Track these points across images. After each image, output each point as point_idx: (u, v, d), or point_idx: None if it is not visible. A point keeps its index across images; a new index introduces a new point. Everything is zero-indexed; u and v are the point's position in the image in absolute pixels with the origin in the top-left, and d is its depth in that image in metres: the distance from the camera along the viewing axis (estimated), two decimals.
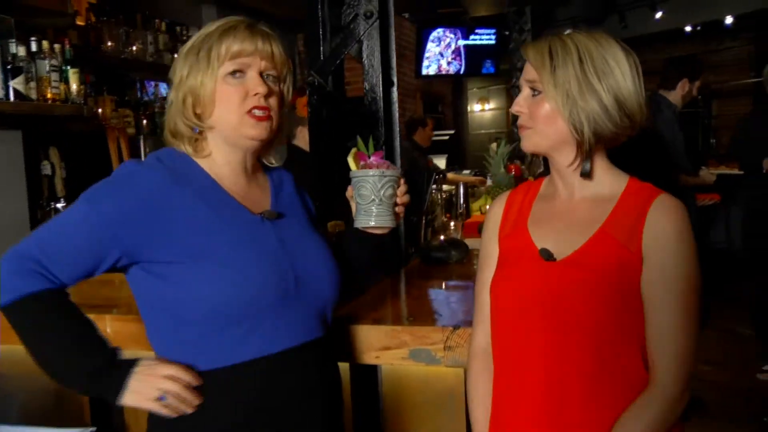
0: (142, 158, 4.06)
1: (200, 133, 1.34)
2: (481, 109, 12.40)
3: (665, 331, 1.20)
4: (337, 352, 1.51)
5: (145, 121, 4.31)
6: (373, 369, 1.69)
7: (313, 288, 1.33)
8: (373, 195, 1.40)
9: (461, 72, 8.07)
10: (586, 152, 1.26)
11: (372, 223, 1.42)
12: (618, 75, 1.23)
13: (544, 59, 1.25)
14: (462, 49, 7.85)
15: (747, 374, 4.17)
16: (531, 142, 1.30)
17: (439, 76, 8.27)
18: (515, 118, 1.33)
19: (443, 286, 2.09)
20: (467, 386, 1.41)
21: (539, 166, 3.57)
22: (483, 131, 12.03)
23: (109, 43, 4.20)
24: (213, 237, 1.24)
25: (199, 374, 1.24)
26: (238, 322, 1.23)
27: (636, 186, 1.29)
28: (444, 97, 10.18)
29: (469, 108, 11.91)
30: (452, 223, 2.79)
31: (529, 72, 1.28)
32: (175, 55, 1.61)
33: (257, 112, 1.31)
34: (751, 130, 4.16)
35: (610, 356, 1.21)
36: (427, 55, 7.70)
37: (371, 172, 1.40)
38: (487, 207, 3.62)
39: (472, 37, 7.84)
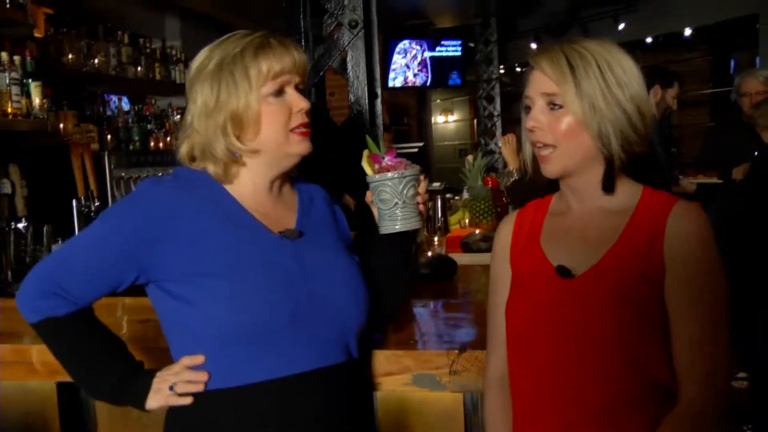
0: (107, 174, 4.00)
1: (239, 156, 1.28)
2: (445, 121, 12.42)
3: (694, 344, 1.15)
4: None
5: (109, 136, 4.17)
6: (369, 395, 1.61)
7: (331, 311, 1.27)
8: (396, 198, 1.33)
9: (428, 83, 8.05)
10: (617, 167, 1.21)
11: (398, 228, 1.34)
12: (635, 84, 1.21)
13: (564, 70, 1.19)
14: (428, 61, 7.83)
15: None
16: (559, 165, 1.23)
17: (405, 88, 8.24)
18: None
19: (440, 306, 2.01)
20: (483, 420, 1.33)
21: (512, 176, 3.51)
22: (447, 143, 12.04)
23: (70, 56, 4.06)
24: (226, 256, 1.22)
25: (211, 393, 1.24)
26: (247, 343, 1.21)
27: (651, 194, 1.25)
28: (409, 108, 10.17)
29: (432, 120, 11.92)
30: (435, 239, 2.72)
31: (544, 84, 1.22)
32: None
33: (301, 129, 1.28)
34: (721, 139, 4.20)
35: (639, 374, 1.15)
36: (393, 66, 7.66)
37: (390, 175, 1.32)
38: (466, 221, 3.59)
39: (438, 48, 7.83)
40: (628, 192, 1.25)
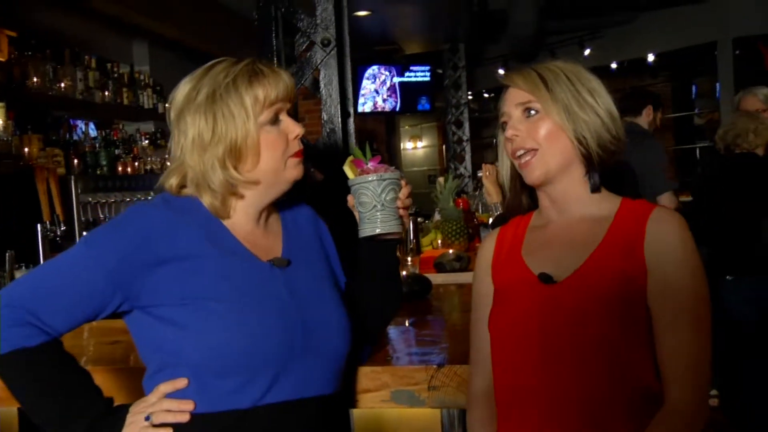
0: (74, 199, 3.93)
1: (236, 188, 1.25)
2: (414, 147, 12.50)
3: (677, 348, 1.15)
4: None
5: (76, 161, 4.10)
6: (346, 413, 1.58)
7: (323, 341, 1.25)
8: (374, 201, 1.33)
9: (397, 109, 8.11)
10: (596, 164, 1.24)
11: (378, 231, 1.33)
12: (603, 92, 1.27)
13: (536, 82, 1.26)
14: (397, 86, 7.89)
15: None
16: (542, 168, 1.25)
17: (375, 113, 8.29)
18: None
19: (416, 323, 1.99)
20: None
21: (495, 209, 3.47)
22: (416, 168, 12.11)
23: (35, 79, 4.00)
24: (221, 280, 1.19)
25: (197, 417, 1.19)
26: (239, 368, 1.17)
27: (630, 203, 1.27)
28: (378, 134, 10.22)
29: (402, 146, 11.99)
30: (409, 259, 2.71)
31: (519, 96, 1.27)
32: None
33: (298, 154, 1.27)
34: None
35: (625, 378, 1.15)
36: (362, 92, 7.70)
37: (370, 177, 1.33)
38: (439, 242, 3.59)
39: (407, 74, 7.91)
40: (608, 202, 1.28)
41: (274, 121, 1.25)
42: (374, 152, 1.41)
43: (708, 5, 6.88)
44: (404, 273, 2.45)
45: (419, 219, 5.02)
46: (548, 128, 1.24)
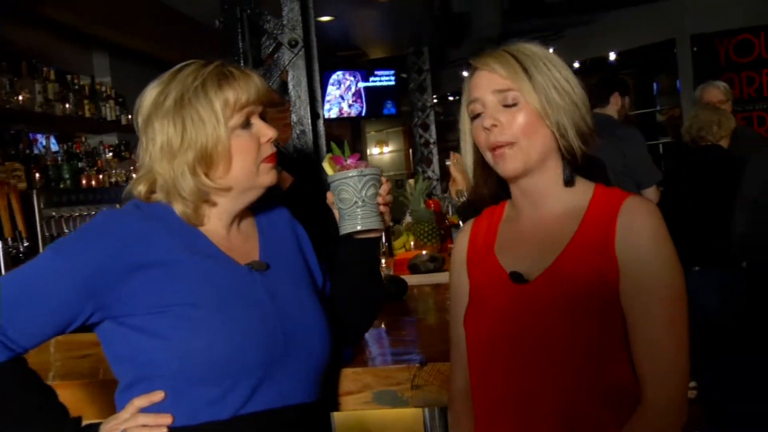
0: (37, 214, 3.84)
1: (207, 195, 1.20)
2: (380, 152, 12.49)
3: (651, 345, 1.11)
4: None
5: (38, 175, 4.00)
6: (327, 419, 1.55)
7: (304, 347, 1.21)
8: (355, 197, 1.30)
9: (363, 114, 8.11)
10: (577, 156, 1.19)
11: (359, 227, 1.30)
12: (575, 79, 1.21)
13: (515, 66, 1.17)
14: (362, 91, 7.89)
15: None
16: (520, 161, 1.18)
17: (340, 119, 8.27)
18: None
19: (394, 324, 1.97)
20: None
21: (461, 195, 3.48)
22: (383, 174, 12.09)
23: None
24: (199, 287, 1.14)
25: (175, 429, 1.14)
26: (217, 379, 1.12)
27: (603, 192, 1.22)
28: (344, 140, 10.19)
29: (368, 151, 11.97)
30: (383, 261, 2.69)
31: (495, 82, 1.19)
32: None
33: (271, 158, 1.23)
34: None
35: (601, 377, 1.11)
36: (328, 98, 7.68)
37: (350, 173, 1.30)
38: (411, 244, 3.58)
39: (371, 79, 7.91)
40: (581, 191, 1.23)
41: (246, 125, 1.21)
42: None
43: (665, 4, 7.00)
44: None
45: (390, 223, 4.97)
46: (529, 118, 1.17)
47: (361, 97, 7.90)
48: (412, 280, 2.56)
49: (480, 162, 1.27)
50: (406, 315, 2.14)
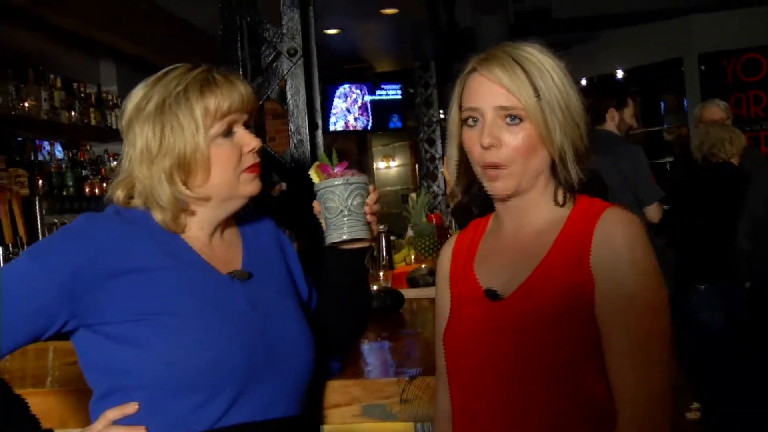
0: (39, 220, 3.84)
1: (186, 204, 1.18)
2: (386, 167, 12.48)
3: (625, 363, 1.04)
4: None
5: (41, 182, 4.01)
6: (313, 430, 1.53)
7: (287, 358, 1.19)
8: (341, 206, 1.27)
9: (369, 127, 8.12)
10: (574, 182, 1.13)
11: (345, 237, 1.28)
12: (574, 88, 1.13)
13: (523, 81, 1.09)
14: (369, 105, 7.90)
15: (675, 413, 4.18)
16: (513, 182, 1.12)
17: (346, 132, 8.28)
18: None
19: (388, 337, 1.95)
20: None
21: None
22: (389, 188, 12.08)
23: None
24: (177, 294, 1.12)
25: None
26: (194, 389, 1.09)
27: (584, 204, 1.15)
28: (349, 153, 10.19)
29: (374, 165, 11.97)
30: (381, 274, 2.67)
31: (498, 95, 1.10)
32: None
33: (253, 168, 1.20)
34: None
35: (579, 397, 1.06)
36: (333, 111, 7.70)
37: (336, 181, 1.27)
38: (412, 258, 3.56)
39: (378, 92, 7.92)
40: (564, 203, 1.17)
41: (227, 133, 1.18)
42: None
43: (673, 22, 7.00)
44: (375, 287, 2.41)
45: (392, 237, 5.00)
46: (530, 140, 1.10)
47: (367, 111, 7.91)
48: (409, 293, 2.54)
49: (464, 163, 1.20)
50: (401, 327, 2.11)
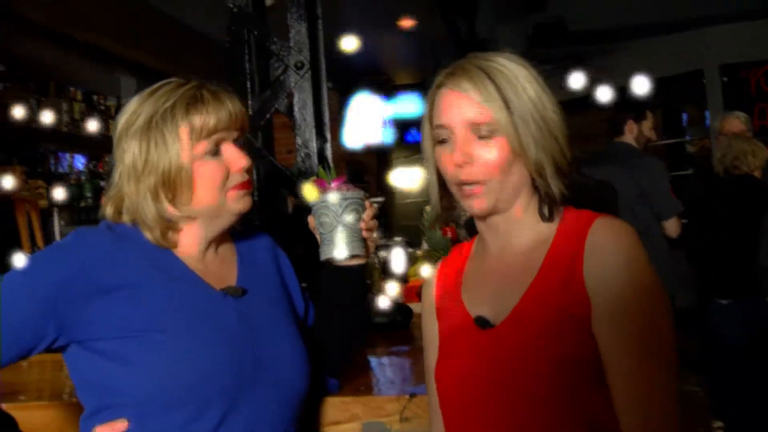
0: (57, 231, 3.88)
1: (173, 223, 1.17)
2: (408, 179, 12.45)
3: (626, 381, 1.00)
4: None
5: (59, 193, 4.06)
6: None
7: (277, 375, 1.17)
8: (335, 222, 1.25)
9: (387, 141, 8.09)
10: (556, 197, 1.08)
11: (336, 253, 1.26)
12: (550, 97, 1.08)
13: (492, 93, 1.05)
14: (387, 118, 7.89)
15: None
16: (491, 200, 1.08)
17: (364, 145, 8.26)
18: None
19: (394, 353, 1.93)
20: None
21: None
22: (410, 200, 12.05)
23: (19, 112, 3.96)
24: (167, 311, 1.11)
25: None
26: (183, 406, 1.08)
27: (572, 216, 1.10)
28: (368, 166, 10.18)
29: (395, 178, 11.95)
30: (397, 287, 2.65)
31: (467, 108, 1.06)
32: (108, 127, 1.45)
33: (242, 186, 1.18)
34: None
35: (580, 422, 1.02)
36: (351, 124, 7.68)
37: (330, 196, 1.26)
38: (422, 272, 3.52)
39: (396, 104, 7.91)
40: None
41: (214, 152, 1.17)
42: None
43: (693, 33, 6.93)
44: (385, 301, 2.39)
45: (409, 250, 4.97)
46: (504, 154, 1.06)
47: (385, 124, 7.90)
48: (419, 308, 2.51)
49: (443, 186, 1.17)
50: (409, 343, 2.09)
